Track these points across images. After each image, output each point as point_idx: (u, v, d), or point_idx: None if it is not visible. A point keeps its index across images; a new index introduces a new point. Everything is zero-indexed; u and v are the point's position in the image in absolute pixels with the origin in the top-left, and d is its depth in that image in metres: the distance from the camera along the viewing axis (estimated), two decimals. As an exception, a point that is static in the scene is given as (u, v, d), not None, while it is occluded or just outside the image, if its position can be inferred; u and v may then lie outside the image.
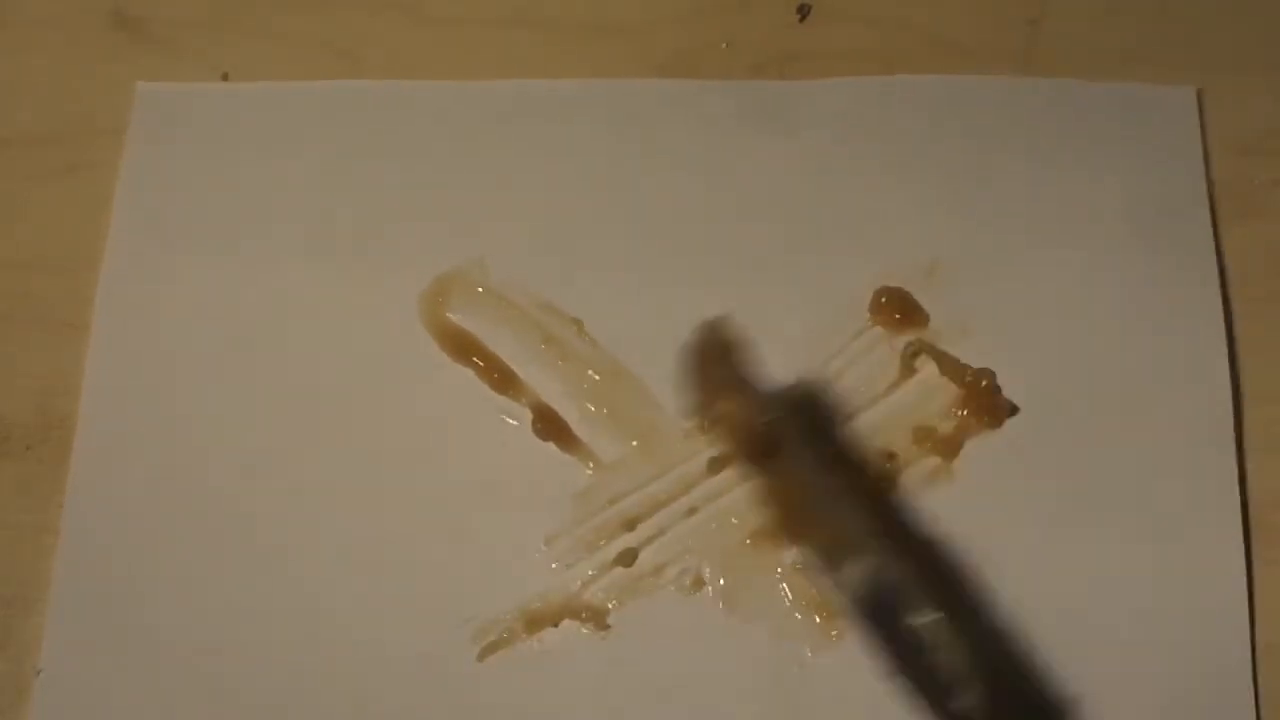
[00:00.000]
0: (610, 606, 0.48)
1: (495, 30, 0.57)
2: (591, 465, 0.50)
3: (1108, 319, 0.51)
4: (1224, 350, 0.51)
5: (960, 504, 0.49)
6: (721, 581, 0.48)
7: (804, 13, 0.57)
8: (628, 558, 0.49)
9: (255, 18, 0.57)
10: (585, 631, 0.48)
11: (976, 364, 0.51)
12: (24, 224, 0.54)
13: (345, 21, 0.57)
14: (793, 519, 0.48)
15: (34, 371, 0.51)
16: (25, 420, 0.51)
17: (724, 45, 0.56)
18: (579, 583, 0.49)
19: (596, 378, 0.51)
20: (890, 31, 0.57)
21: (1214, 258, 0.52)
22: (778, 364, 0.51)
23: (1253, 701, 0.47)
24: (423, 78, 0.56)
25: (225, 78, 0.56)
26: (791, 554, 0.48)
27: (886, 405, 0.51)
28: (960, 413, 0.50)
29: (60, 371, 0.51)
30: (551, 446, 0.50)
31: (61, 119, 0.55)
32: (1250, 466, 0.50)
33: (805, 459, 0.48)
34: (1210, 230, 0.53)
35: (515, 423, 0.51)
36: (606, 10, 0.57)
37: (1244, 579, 0.48)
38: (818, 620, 0.48)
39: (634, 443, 0.50)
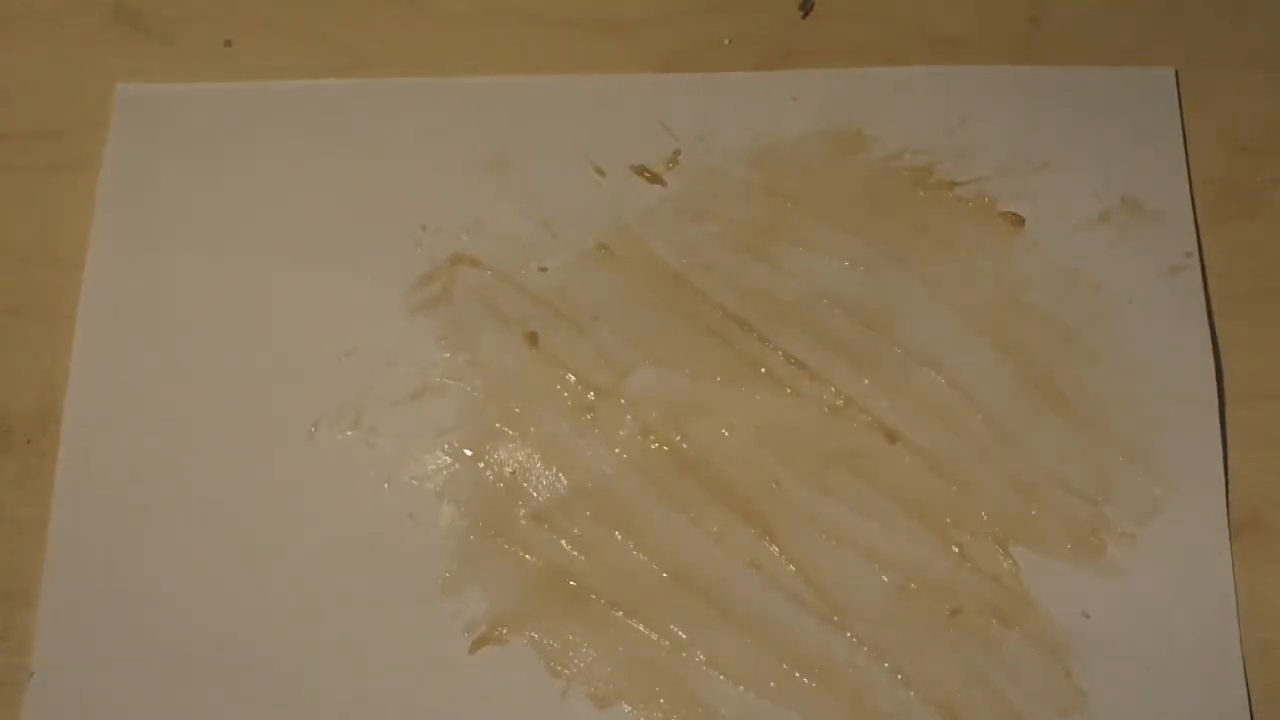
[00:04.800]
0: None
1: (497, 26, 0.57)
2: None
3: (1090, 314, 0.52)
4: (1208, 348, 0.51)
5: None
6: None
7: (806, 9, 0.57)
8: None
9: (256, 12, 0.57)
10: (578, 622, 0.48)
11: (962, 363, 0.51)
12: (26, 218, 0.54)
13: (347, 16, 0.57)
14: None
15: (35, 365, 0.52)
16: (26, 413, 0.51)
17: (726, 41, 0.56)
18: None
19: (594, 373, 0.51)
20: (892, 28, 0.57)
21: (1195, 241, 0.52)
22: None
23: (1246, 700, 0.47)
24: (424, 73, 0.56)
25: (228, 73, 0.56)
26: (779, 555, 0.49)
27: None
28: None
29: (61, 365, 0.51)
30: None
31: (64, 112, 0.55)
32: (1236, 465, 0.50)
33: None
34: (1191, 214, 0.53)
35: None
36: (609, 6, 0.57)
37: (1229, 578, 0.48)
38: (816, 620, 0.48)
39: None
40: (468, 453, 0.50)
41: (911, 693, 0.47)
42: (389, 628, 0.48)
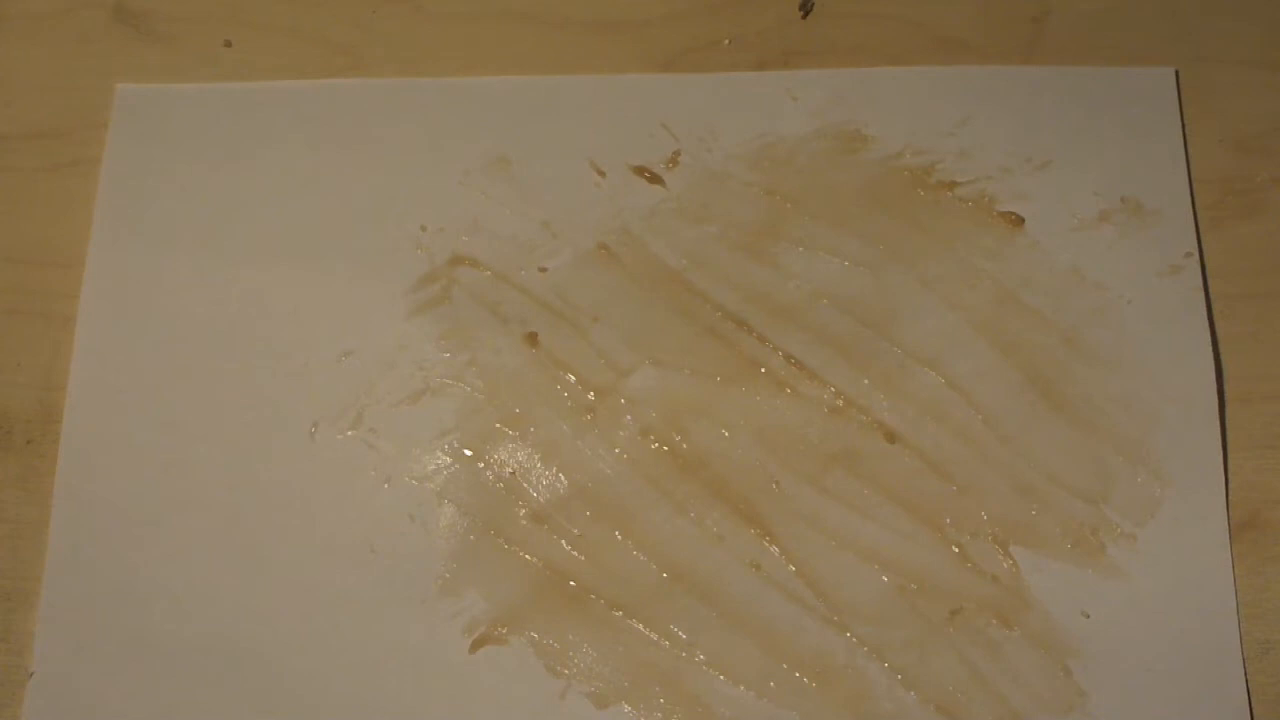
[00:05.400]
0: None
1: (497, 26, 0.57)
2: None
3: (1090, 314, 0.52)
4: (1208, 348, 0.51)
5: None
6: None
7: (807, 9, 0.57)
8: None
9: (256, 13, 0.57)
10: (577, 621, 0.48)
11: (962, 364, 0.51)
12: (26, 218, 0.54)
13: (347, 16, 0.57)
14: None
15: (35, 365, 0.52)
16: (27, 414, 0.51)
17: (727, 42, 0.56)
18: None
19: (593, 373, 0.51)
20: (892, 28, 0.57)
21: (1195, 241, 0.52)
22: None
23: (1246, 700, 0.47)
24: (424, 73, 0.56)
25: (228, 73, 0.56)
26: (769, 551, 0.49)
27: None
28: None
29: (61, 365, 0.51)
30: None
31: (64, 112, 0.55)
32: (1236, 465, 0.50)
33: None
34: (1191, 214, 0.53)
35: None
36: (610, 7, 0.57)
37: (1229, 578, 0.48)
38: (816, 620, 0.48)
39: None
40: (468, 453, 0.50)
41: (911, 693, 0.47)
42: (389, 628, 0.48)
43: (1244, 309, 0.52)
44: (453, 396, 0.51)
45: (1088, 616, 0.48)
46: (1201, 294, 0.52)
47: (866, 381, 0.51)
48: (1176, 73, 0.55)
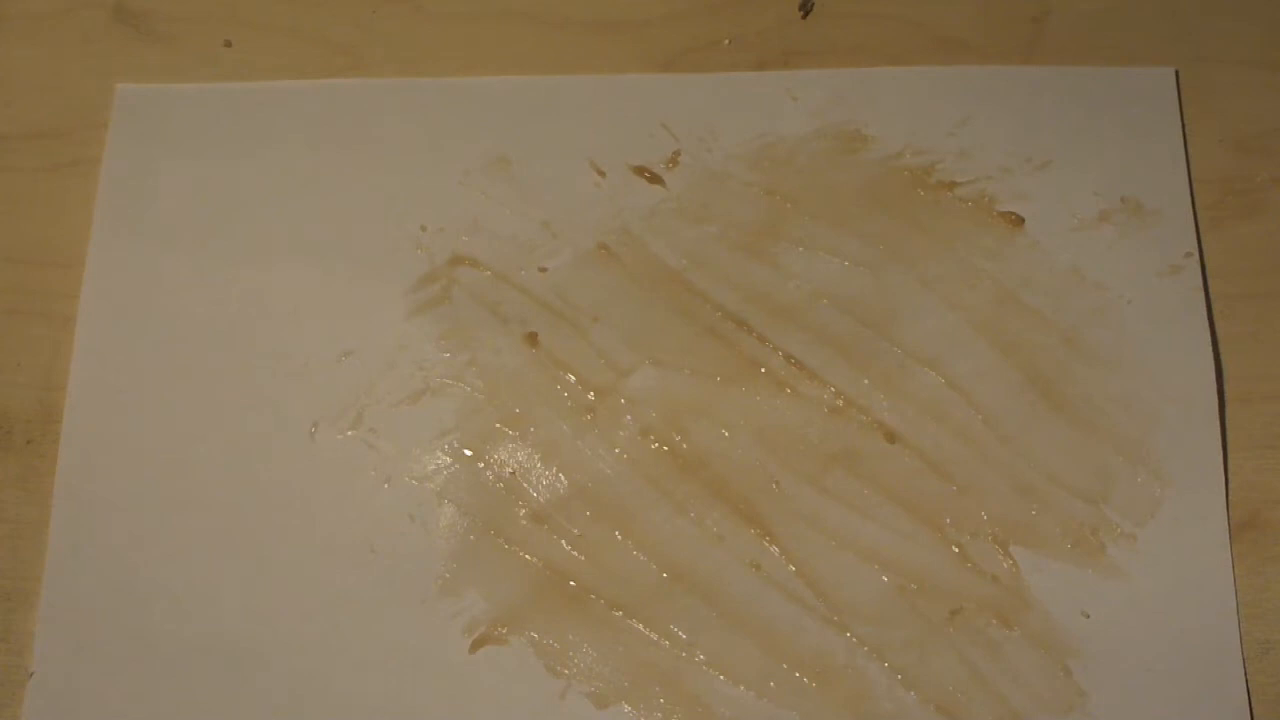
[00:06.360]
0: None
1: (497, 26, 0.57)
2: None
3: (1090, 314, 0.52)
4: (1208, 348, 0.51)
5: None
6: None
7: (807, 9, 0.57)
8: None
9: (256, 13, 0.57)
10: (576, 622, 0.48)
11: (962, 364, 0.51)
12: (26, 218, 0.54)
13: (347, 16, 0.57)
14: None
15: (35, 365, 0.52)
16: (27, 414, 0.51)
17: (727, 42, 0.56)
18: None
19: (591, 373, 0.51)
20: (893, 28, 0.57)
21: (1195, 241, 0.52)
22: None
23: (1246, 700, 0.47)
24: (424, 73, 0.56)
25: (228, 73, 0.56)
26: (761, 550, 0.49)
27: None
28: None
29: (61, 365, 0.51)
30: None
31: (64, 112, 0.55)
32: (1236, 465, 0.50)
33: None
34: (1191, 214, 0.53)
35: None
36: (610, 7, 0.57)
37: (1229, 578, 0.48)
38: (816, 620, 0.48)
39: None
40: (468, 453, 0.50)
41: (911, 693, 0.47)
42: (389, 628, 0.48)
43: (1244, 309, 0.52)
44: (453, 396, 0.51)
45: (1088, 616, 0.48)
46: (1201, 294, 0.52)
47: (866, 381, 0.51)
48: (1176, 73, 0.55)
